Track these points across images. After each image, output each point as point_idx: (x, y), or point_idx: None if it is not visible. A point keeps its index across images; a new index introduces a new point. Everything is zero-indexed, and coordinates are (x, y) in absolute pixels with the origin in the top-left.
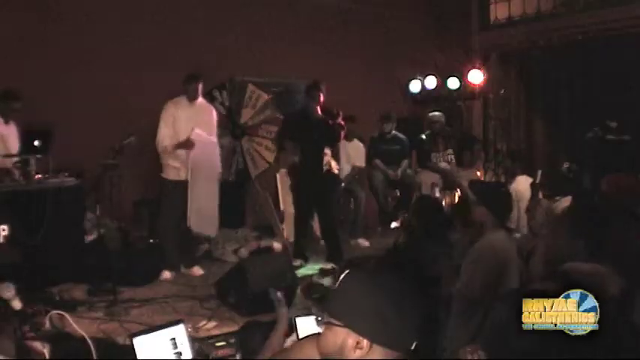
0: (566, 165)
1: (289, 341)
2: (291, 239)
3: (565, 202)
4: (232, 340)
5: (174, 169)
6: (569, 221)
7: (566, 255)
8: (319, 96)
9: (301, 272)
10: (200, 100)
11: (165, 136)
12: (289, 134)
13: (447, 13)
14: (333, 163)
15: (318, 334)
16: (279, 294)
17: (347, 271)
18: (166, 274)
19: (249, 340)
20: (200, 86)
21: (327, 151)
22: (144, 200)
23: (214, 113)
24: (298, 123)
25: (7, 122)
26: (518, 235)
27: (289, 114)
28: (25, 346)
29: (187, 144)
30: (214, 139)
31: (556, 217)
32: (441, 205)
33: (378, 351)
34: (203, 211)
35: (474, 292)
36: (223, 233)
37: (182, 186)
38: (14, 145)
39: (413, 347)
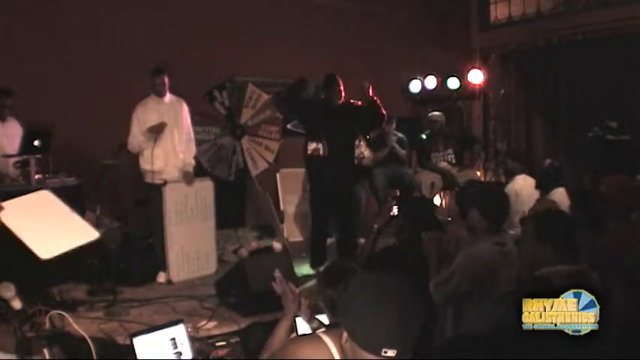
0: (548, 161)
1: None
2: (291, 239)
3: (556, 196)
4: (233, 340)
5: (151, 173)
6: (535, 224)
7: (539, 258)
8: (338, 83)
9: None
10: (170, 96)
11: (136, 134)
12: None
13: (447, 13)
14: (367, 152)
15: (315, 333)
16: (277, 273)
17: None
18: (162, 276)
19: (252, 340)
20: (167, 80)
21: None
22: (144, 200)
23: (186, 109)
24: (323, 111)
25: (3, 120)
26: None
27: (307, 102)
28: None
29: (160, 127)
30: (193, 149)
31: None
32: (433, 206)
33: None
34: (194, 253)
35: (458, 295)
36: (223, 233)
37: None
38: (12, 144)
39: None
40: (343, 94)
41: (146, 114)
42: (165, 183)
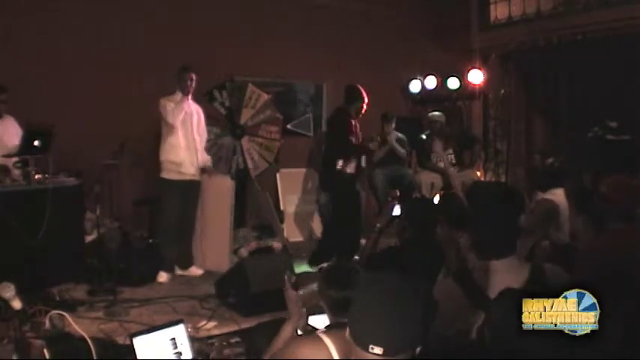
0: (549, 160)
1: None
2: (291, 239)
3: (552, 195)
4: (233, 340)
5: (174, 165)
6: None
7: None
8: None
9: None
10: (191, 100)
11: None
12: None
13: (447, 13)
14: None
15: (315, 334)
16: (287, 275)
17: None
18: (162, 276)
19: (257, 341)
20: (194, 77)
21: None
22: (144, 200)
23: (203, 116)
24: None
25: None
26: None
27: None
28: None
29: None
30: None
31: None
32: (434, 207)
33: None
34: (215, 247)
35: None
36: None
37: (181, 185)
38: (9, 142)
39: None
40: None
41: (170, 105)
42: (187, 180)
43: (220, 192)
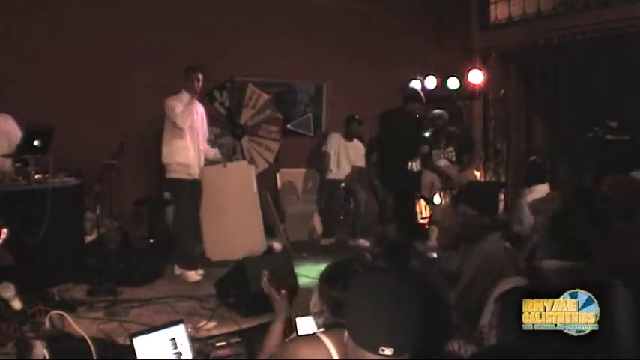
0: (532, 158)
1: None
2: (291, 239)
3: (537, 192)
4: (233, 340)
5: (183, 167)
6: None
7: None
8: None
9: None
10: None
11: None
12: None
13: (447, 13)
14: None
15: (314, 334)
16: (265, 274)
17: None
18: (193, 275)
19: (257, 341)
20: (201, 77)
21: None
22: (144, 200)
23: (206, 116)
24: None
25: None
26: None
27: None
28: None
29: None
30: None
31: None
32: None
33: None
34: (249, 232)
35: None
36: None
37: (190, 184)
38: (4, 140)
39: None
40: None
41: (179, 106)
42: (194, 180)
43: (242, 177)
